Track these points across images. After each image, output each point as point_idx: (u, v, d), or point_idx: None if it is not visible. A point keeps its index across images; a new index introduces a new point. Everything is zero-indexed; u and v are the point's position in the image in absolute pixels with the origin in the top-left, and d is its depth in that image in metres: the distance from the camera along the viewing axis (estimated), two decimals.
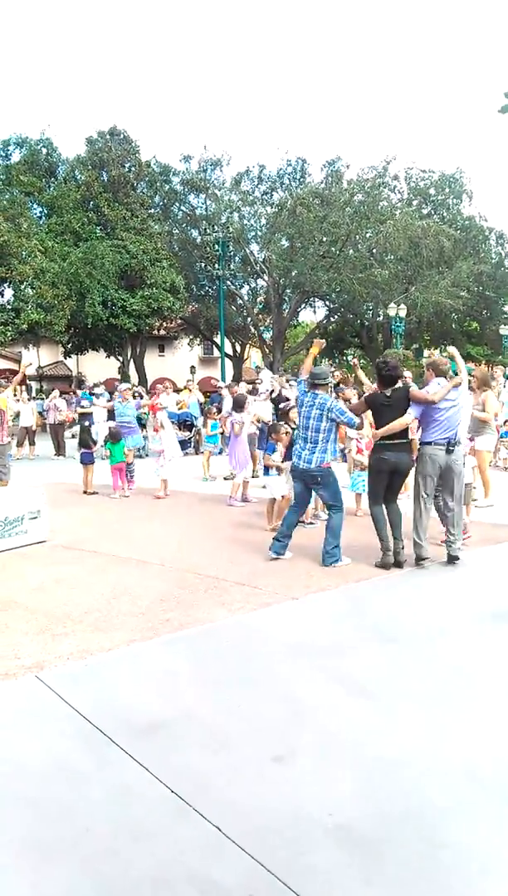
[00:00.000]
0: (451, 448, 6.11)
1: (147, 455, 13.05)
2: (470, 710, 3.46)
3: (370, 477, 6.57)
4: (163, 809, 2.62)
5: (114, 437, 10.75)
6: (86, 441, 11.39)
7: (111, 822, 2.55)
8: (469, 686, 3.75)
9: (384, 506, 6.31)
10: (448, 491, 6.23)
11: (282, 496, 7.77)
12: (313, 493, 6.98)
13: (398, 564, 6.12)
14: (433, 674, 3.90)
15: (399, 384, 6.54)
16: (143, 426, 14.93)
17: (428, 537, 6.27)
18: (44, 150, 33.43)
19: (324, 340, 7.46)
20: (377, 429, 6.36)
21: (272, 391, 12.61)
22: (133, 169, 33.49)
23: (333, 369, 6.99)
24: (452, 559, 6.13)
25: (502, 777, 2.87)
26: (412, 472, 6.40)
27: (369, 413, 7.05)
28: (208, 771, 2.89)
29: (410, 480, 6.64)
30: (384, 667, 4.01)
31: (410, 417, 6.13)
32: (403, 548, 6.17)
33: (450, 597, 5.42)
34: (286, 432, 8.00)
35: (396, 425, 6.11)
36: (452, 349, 7.24)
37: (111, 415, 13.57)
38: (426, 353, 40.02)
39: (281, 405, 11.36)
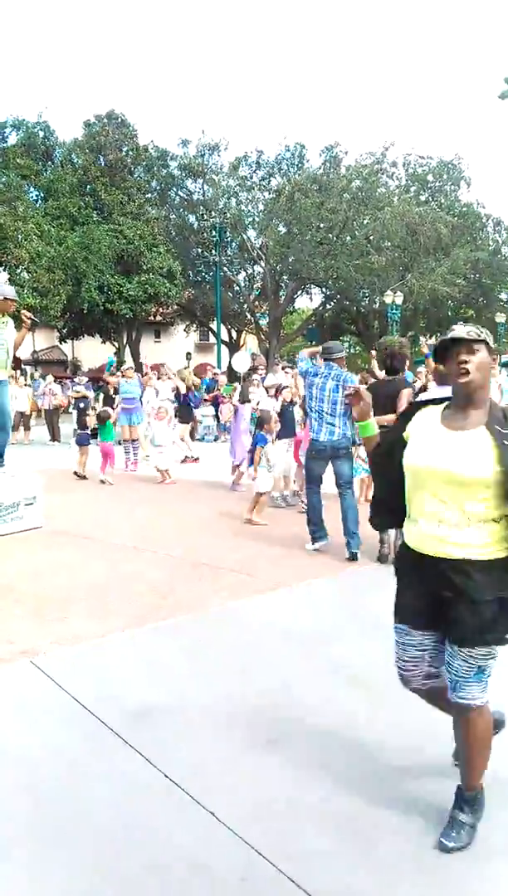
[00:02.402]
0: None
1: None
2: None
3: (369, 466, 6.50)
4: (159, 796, 2.64)
5: (101, 419, 10.84)
6: (83, 422, 11.43)
7: (108, 809, 2.57)
8: None
9: None
10: None
11: (264, 492, 7.78)
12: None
13: (384, 558, 5.99)
14: None
15: (410, 378, 6.41)
16: None
17: None
18: (41, 133, 33.10)
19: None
20: (376, 415, 6.25)
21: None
22: (130, 153, 33.23)
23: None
24: None
25: (496, 762, 2.90)
26: None
27: None
28: (202, 757, 2.92)
29: None
30: (378, 655, 4.02)
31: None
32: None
33: None
34: (276, 421, 8.06)
35: (388, 418, 5.99)
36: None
37: (108, 400, 13.59)
38: (421, 340, 40.02)
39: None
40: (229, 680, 3.67)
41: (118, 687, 3.57)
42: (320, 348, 7.13)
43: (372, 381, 6.59)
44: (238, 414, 10.34)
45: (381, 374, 7.23)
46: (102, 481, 10.45)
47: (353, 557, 6.14)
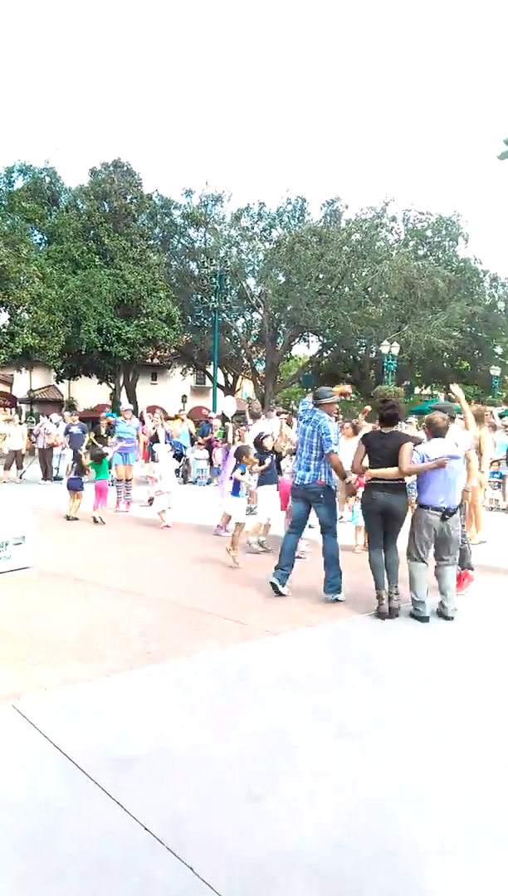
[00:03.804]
0: (447, 517, 5.84)
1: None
2: (452, 754, 3.42)
3: (363, 518, 6.34)
4: (138, 848, 2.56)
5: (96, 458, 10.77)
6: (77, 467, 11.25)
7: (85, 860, 2.49)
8: (452, 729, 3.72)
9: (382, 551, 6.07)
10: (444, 553, 5.97)
11: (237, 523, 7.81)
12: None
13: (393, 612, 5.85)
14: (415, 715, 3.87)
15: (401, 428, 6.38)
16: None
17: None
18: (47, 179, 33.89)
19: (349, 388, 7.13)
20: (371, 468, 6.06)
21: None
22: (135, 201, 33.90)
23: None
24: (443, 618, 5.86)
25: (482, 820, 2.83)
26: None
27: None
28: (185, 808, 2.84)
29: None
30: (367, 706, 3.96)
31: (396, 470, 5.86)
32: (398, 594, 5.90)
33: (437, 641, 5.38)
34: (255, 455, 8.17)
35: (390, 472, 5.87)
36: (456, 389, 6.89)
37: (99, 438, 13.52)
38: (416, 390, 40.32)
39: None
40: (217, 730, 3.60)
41: (102, 734, 3.49)
42: (346, 388, 7.23)
43: (366, 432, 6.49)
44: (229, 455, 10.34)
45: (367, 425, 7.22)
46: (95, 519, 10.37)
47: (334, 600, 6.16)
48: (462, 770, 3.25)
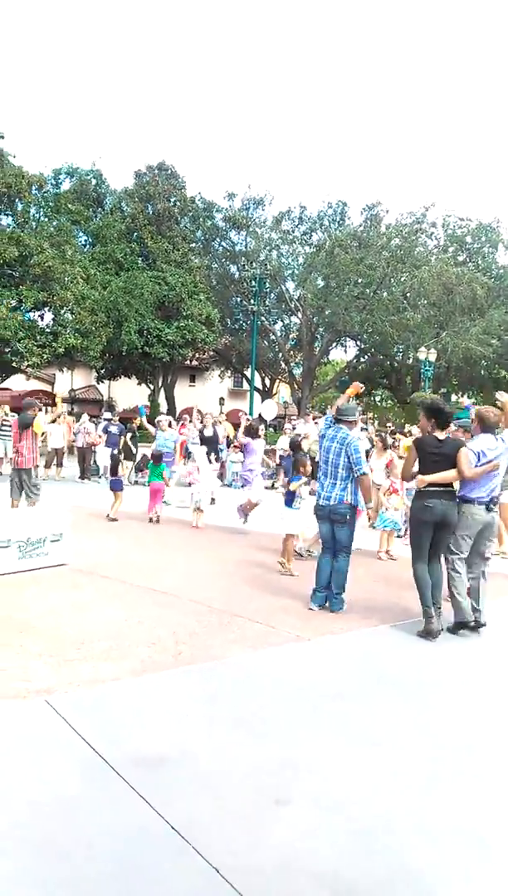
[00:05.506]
0: (491, 507, 5.76)
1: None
2: (475, 769, 3.43)
3: (412, 528, 6.08)
4: (164, 847, 2.62)
5: (156, 459, 11.04)
6: (115, 468, 11.51)
7: (110, 855, 2.56)
8: (476, 744, 3.72)
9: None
10: (477, 550, 5.87)
11: (291, 534, 7.76)
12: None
13: (434, 633, 5.57)
14: (439, 729, 3.88)
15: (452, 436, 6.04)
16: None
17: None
18: (93, 181, 34.46)
19: (363, 385, 6.98)
20: (423, 474, 5.76)
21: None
22: (178, 203, 34.28)
23: (360, 409, 6.55)
24: (477, 625, 5.77)
25: (502, 839, 2.85)
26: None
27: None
28: (210, 811, 2.90)
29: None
30: (391, 718, 3.99)
31: (456, 474, 5.67)
32: (440, 615, 5.69)
33: (465, 652, 5.38)
34: (308, 463, 8.07)
35: (448, 476, 5.65)
36: (503, 396, 6.52)
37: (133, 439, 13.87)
38: (453, 398, 39.88)
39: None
40: (242, 733, 3.66)
41: (129, 732, 3.57)
42: (360, 386, 7.18)
43: (419, 437, 6.07)
44: (248, 448, 10.55)
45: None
46: (151, 519, 10.70)
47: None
48: (491, 790, 3.27)
